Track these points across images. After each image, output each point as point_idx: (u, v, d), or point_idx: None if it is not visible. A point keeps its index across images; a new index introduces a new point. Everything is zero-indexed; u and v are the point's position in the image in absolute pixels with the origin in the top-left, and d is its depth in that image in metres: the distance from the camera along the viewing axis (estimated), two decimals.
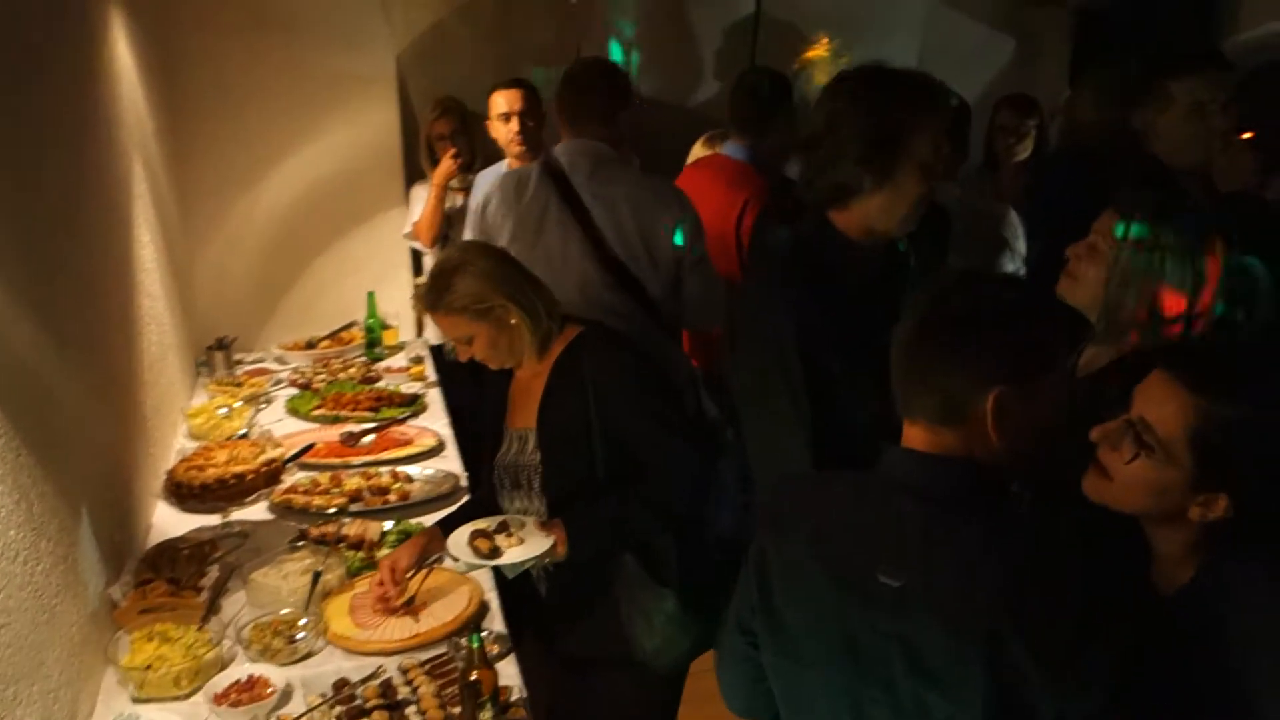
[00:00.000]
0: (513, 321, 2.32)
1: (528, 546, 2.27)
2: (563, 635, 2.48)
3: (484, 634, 2.04)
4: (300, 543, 2.66)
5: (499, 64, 4.44)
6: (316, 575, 2.41)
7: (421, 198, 4.41)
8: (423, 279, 4.47)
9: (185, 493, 2.67)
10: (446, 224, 4.28)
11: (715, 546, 2.40)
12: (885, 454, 1.47)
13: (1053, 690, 1.26)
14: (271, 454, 2.83)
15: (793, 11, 4.93)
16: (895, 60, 4.97)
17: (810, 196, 2.07)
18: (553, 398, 2.35)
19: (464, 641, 2.11)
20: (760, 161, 3.61)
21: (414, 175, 4.52)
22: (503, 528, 2.33)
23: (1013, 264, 3.16)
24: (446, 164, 4.21)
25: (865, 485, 1.48)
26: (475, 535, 2.30)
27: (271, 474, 2.77)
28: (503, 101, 4.01)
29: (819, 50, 4.84)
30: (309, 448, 3.14)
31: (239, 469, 2.71)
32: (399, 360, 4.24)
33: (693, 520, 2.38)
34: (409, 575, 2.39)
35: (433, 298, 2.33)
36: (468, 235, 3.24)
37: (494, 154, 4.25)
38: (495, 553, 2.26)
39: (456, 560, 2.33)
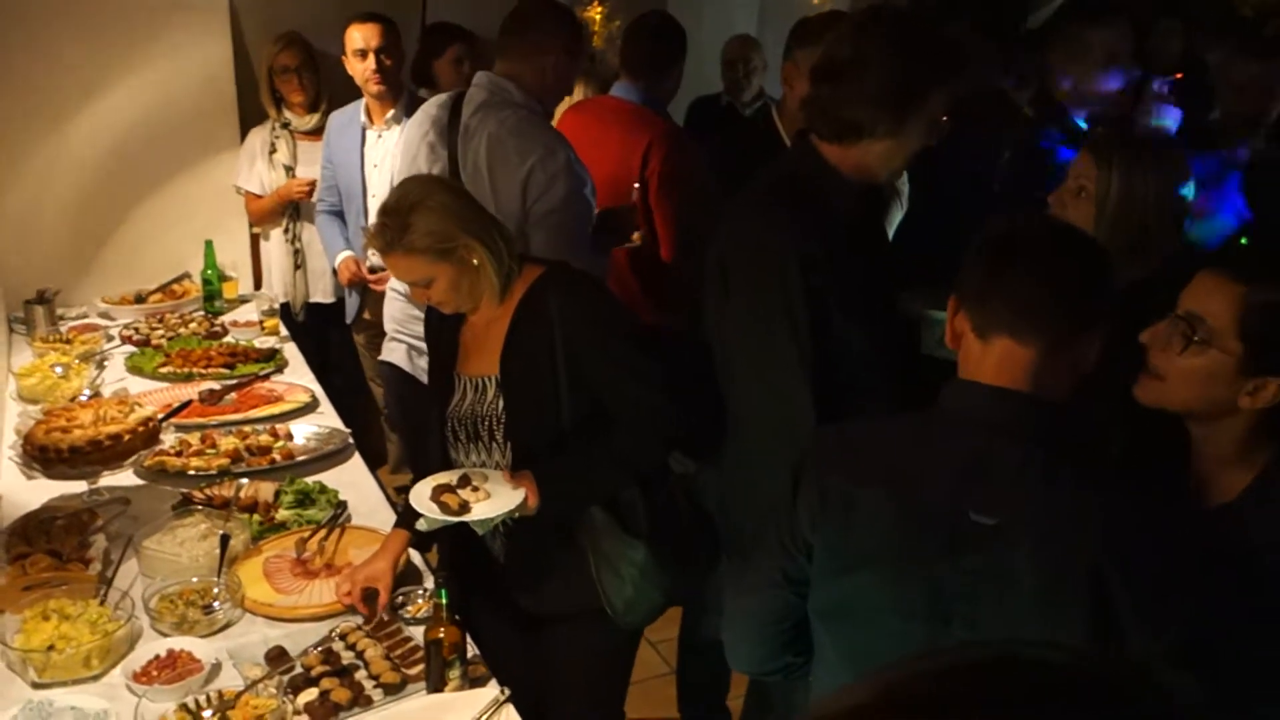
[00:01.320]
0: (475, 261, 2.13)
1: (497, 501, 2.09)
2: (523, 593, 2.31)
3: (439, 585, 1.92)
4: (188, 508, 2.44)
5: (343, 7, 4.16)
6: (225, 539, 2.22)
7: (256, 148, 4.10)
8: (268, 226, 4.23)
9: (52, 456, 2.38)
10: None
11: (683, 494, 2.33)
12: (956, 390, 1.46)
13: (1140, 624, 1.30)
14: (143, 413, 2.57)
15: None
16: (738, 19, 5.04)
17: (816, 126, 2.04)
18: (517, 342, 2.19)
19: (422, 597, 2.00)
20: (656, 105, 3.55)
21: (250, 117, 4.20)
22: (464, 481, 2.13)
23: (901, 210, 3.24)
24: (291, 189, 4.03)
25: (939, 423, 1.46)
26: (439, 490, 2.11)
27: (150, 434, 2.51)
28: (359, 37, 3.77)
29: (592, 11, 4.80)
30: (186, 404, 2.88)
31: (113, 429, 2.44)
32: (245, 314, 3.95)
33: (661, 469, 2.30)
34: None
35: (388, 236, 2.10)
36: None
37: (343, 95, 4.01)
38: (464, 508, 2.07)
39: (419, 519, 2.12)
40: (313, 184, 4.01)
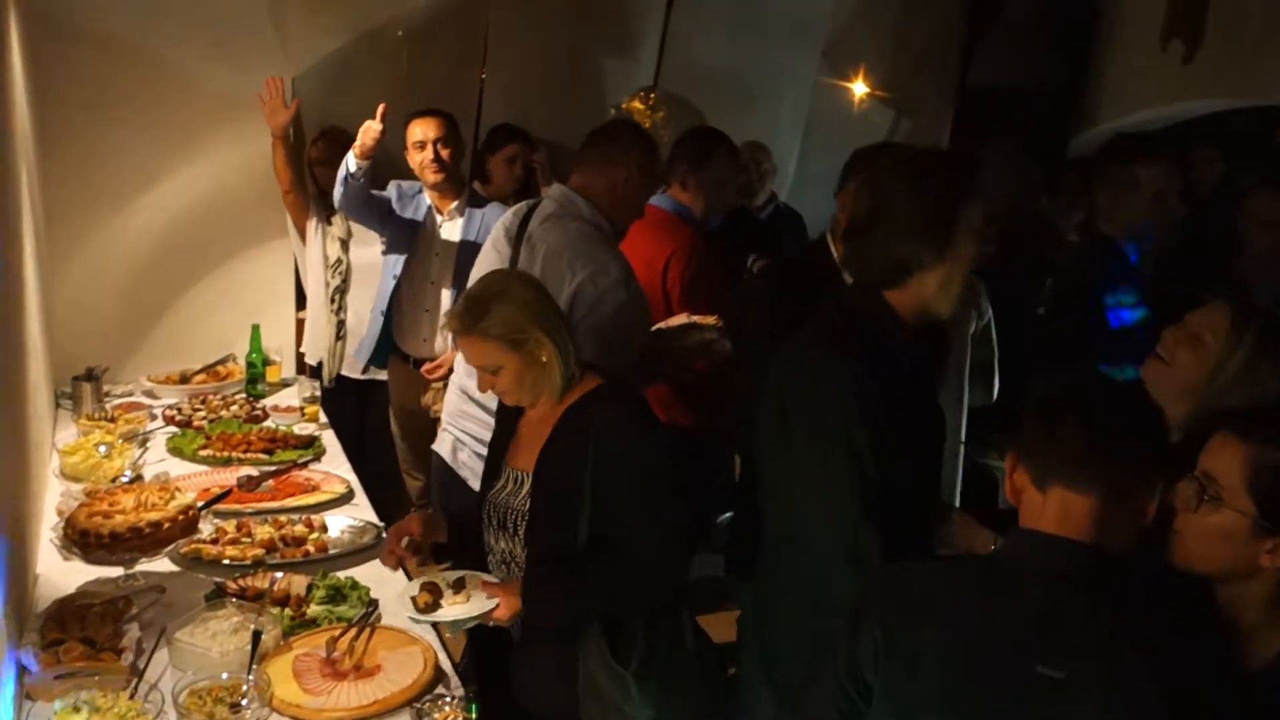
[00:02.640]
0: (544, 359, 2.23)
1: (467, 606, 2.24)
2: (521, 685, 2.37)
3: (469, 699, 1.92)
4: (220, 599, 2.45)
5: (402, 99, 4.29)
6: (257, 636, 2.22)
7: (315, 238, 4.23)
8: (305, 313, 4.31)
9: (92, 542, 2.41)
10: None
11: (693, 630, 2.33)
12: (1017, 539, 1.48)
13: None
14: (184, 500, 2.60)
15: (688, 82, 4.98)
16: (784, 126, 5.15)
17: (865, 276, 2.09)
18: (556, 445, 2.26)
19: (449, 705, 2.01)
20: (689, 214, 3.63)
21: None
22: (460, 584, 2.28)
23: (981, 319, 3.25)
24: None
25: (1003, 571, 1.48)
26: (425, 585, 2.27)
27: (189, 523, 2.54)
28: (418, 130, 3.92)
29: (636, 103, 4.94)
30: (226, 494, 2.92)
31: (153, 516, 2.47)
32: (286, 398, 4.01)
33: (667, 611, 2.30)
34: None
35: (468, 321, 2.23)
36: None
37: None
38: (430, 609, 2.24)
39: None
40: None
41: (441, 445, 3.27)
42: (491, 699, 2.16)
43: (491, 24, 4.58)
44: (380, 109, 3.74)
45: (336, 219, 4.23)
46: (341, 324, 4.26)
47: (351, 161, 3.84)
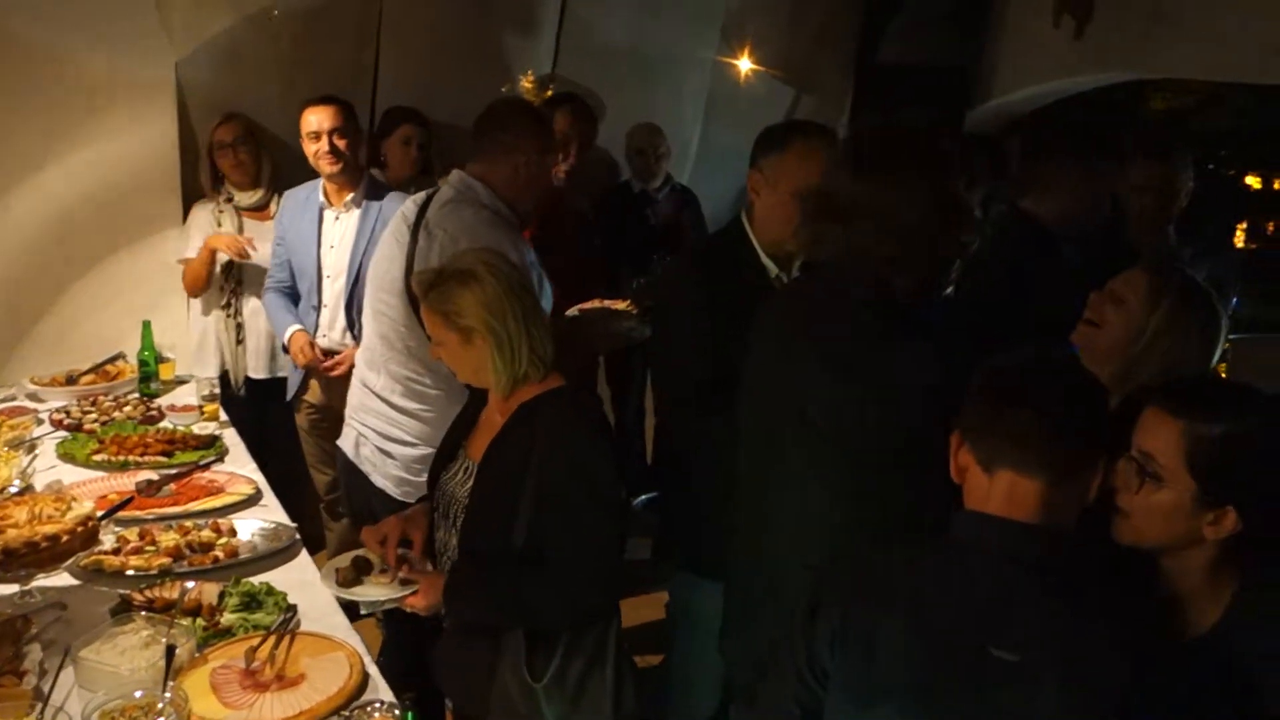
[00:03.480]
0: (485, 352, 2.21)
1: (385, 590, 2.26)
2: (447, 672, 2.40)
3: (406, 707, 1.86)
4: (127, 612, 2.33)
5: (294, 82, 4.14)
6: (171, 650, 2.11)
7: (201, 222, 4.04)
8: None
9: None
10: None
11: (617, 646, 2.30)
12: (965, 522, 1.47)
13: None
14: (82, 510, 2.46)
15: (587, 62, 4.92)
16: (685, 106, 5.12)
17: (846, 269, 2.03)
18: (503, 441, 2.24)
19: (379, 712, 1.94)
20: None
21: (193, 195, 4.14)
22: (399, 561, 2.31)
23: None
24: (221, 240, 3.96)
25: (957, 555, 1.47)
26: (356, 560, 2.30)
27: (89, 535, 2.40)
28: (313, 119, 3.77)
29: (525, 84, 4.92)
30: (127, 501, 2.77)
31: (50, 529, 2.33)
32: (182, 397, 3.84)
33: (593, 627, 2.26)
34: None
35: (426, 287, 2.24)
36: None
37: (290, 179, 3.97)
38: (350, 584, 2.27)
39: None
40: (248, 242, 3.96)
41: (345, 440, 3.20)
42: (423, 702, 2.10)
43: (385, 3, 4.43)
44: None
45: (225, 218, 4.05)
46: (240, 327, 4.09)
47: (289, 344, 3.87)
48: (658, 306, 2.98)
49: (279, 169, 4.14)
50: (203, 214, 4.07)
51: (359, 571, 2.30)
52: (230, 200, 4.07)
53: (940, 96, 4.68)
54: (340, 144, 3.74)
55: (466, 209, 2.90)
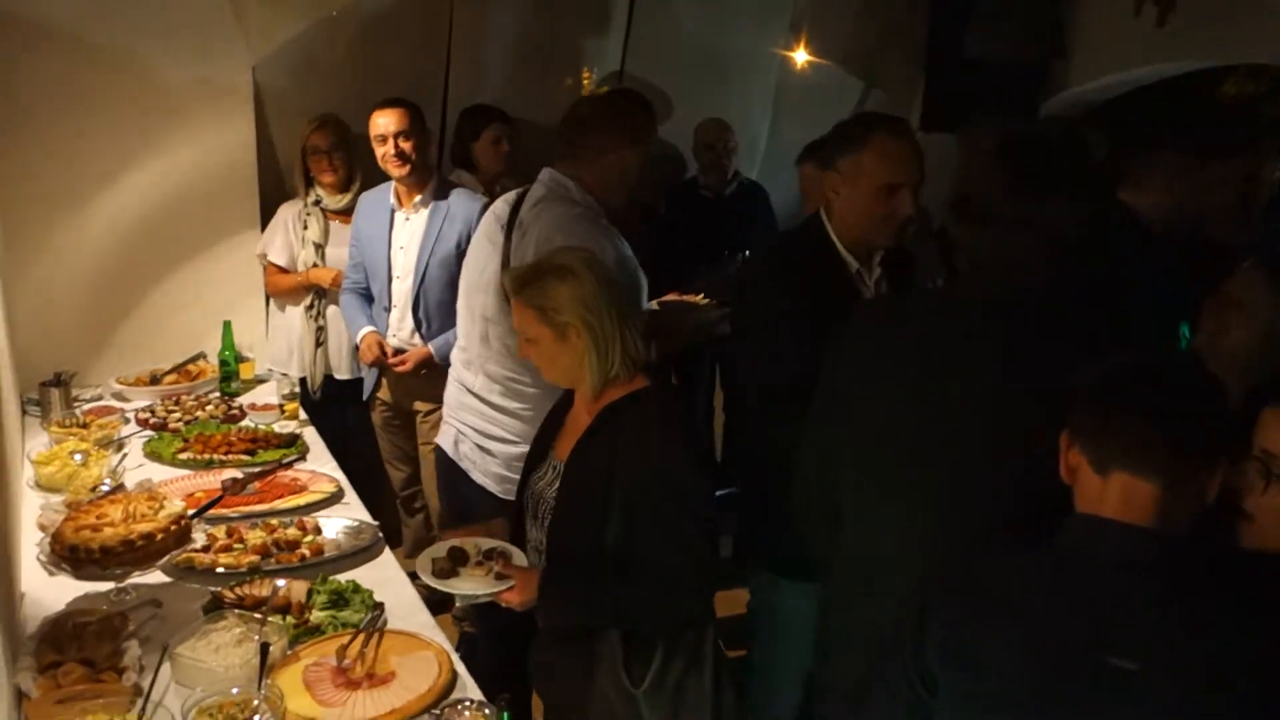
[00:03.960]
0: (579, 348, 2.19)
1: (481, 583, 2.23)
2: (543, 680, 2.40)
3: (501, 708, 1.87)
4: (219, 610, 2.37)
5: (366, 84, 4.18)
6: (265, 648, 2.14)
7: (288, 222, 4.11)
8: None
9: (82, 557, 2.31)
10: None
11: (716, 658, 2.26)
12: (1079, 526, 1.44)
13: None
14: (174, 509, 2.50)
15: (656, 59, 4.91)
16: (753, 102, 5.08)
17: (990, 267, 1.94)
18: (589, 442, 2.22)
19: (469, 710, 1.95)
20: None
21: (270, 198, 4.19)
22: (490, 555, 2.29)
23: None
24: (323, 276, 4.05)
25: (1069, 561, 1.44)
26: (453, 551, 2.29)
27: (182, 533, 2.45)
28: (379, 123, 3.80)
29: (585, 81, 4.94)
30: (218, 500, 2.82)
31: (145, 528, 2.38)
32: (262, 395, 3.91)
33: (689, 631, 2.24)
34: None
35: (520, 282, 2.22)
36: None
37: (376, 177, 4.01)
38: (447, 574, 2.25)
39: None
40: (339, 275, 4.02)
41: (444, 438, 3.21)
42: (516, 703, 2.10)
43: (455, 4, 4.46)
44: None
45: (311, 220, 4.10)
46: (321, 329, 4.14)
47: (359, 342, 3.96)
48: (733, 306, 2.96)
49: (369, 173, 4.17)
50: (290, 213, 4.13)
51: (454, 563, 2.29)
52: (318, 203, 4.11)
53: (1015, 91, 4.58)
54: (406, 146, 3.77)
55: (559, 205, 2.90)
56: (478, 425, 3.07)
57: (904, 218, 2.56)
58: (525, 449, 2.58)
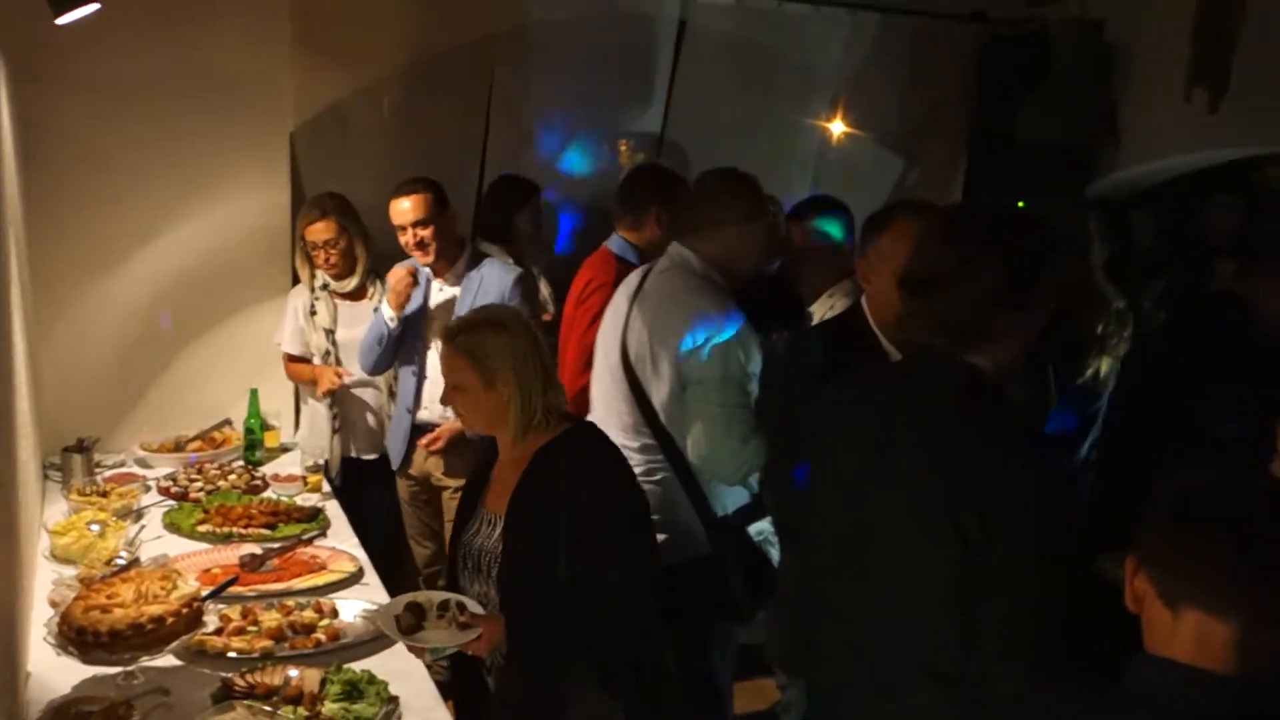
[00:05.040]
0: (504, 396, 2.31)
1: (447, 634, 2.23)
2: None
3: None
4: (228, 700, 2.26)
5: (404, 150, 4.16)
6: None
7: (297, 308, 4.02)
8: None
9: (90, 640, 2.23)
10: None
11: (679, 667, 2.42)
12: (1148, 669, 1.31)
13: None
14: (187, 590, 2.41)
15: (695, 131, 4.89)
16: (793, 175, 5.05)
17: (934, 339, 1.94)
18: (527, 488, 2.32)
19: None
20: (630, 253, 3.70)
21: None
22: (445, 608, 2.28)
23: None
24: (329, 380, 3.92)
25: (1143, 714, 1.31)
26: (410, 606, 2.28)
27: (194, 617, 2.35)
28: (396, 212, 3.72)
29: (622, 148, 5.00)
30: (232, 581, 2.72)
31: (155, 610, 2.29)
32: (286, 465, 3.83)
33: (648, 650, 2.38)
34: None
35: (455, 330, 2.36)
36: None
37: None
38: (414, 629, 2.24)
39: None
40: (344, 374, 3.95)
41: None
42: None
43: (496, 74, 4.45)
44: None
45: (320, 305, 4.00)
46: (336, 415, 4.05)
47: (387, 313, 3.75)
48: (767, 388, 2.88)
49: (383, 252, 4.10)
50: (298, 300, 4.02)
51: (417, 617, 2.28)
52: (325, 286, 4.01)
53: (1060, 172, 4.51)
54: (424, 234, 3.68)
55: (679, 276, 3.01)
56: None
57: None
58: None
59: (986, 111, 4.76)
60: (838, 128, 5.00)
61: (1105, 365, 2.03)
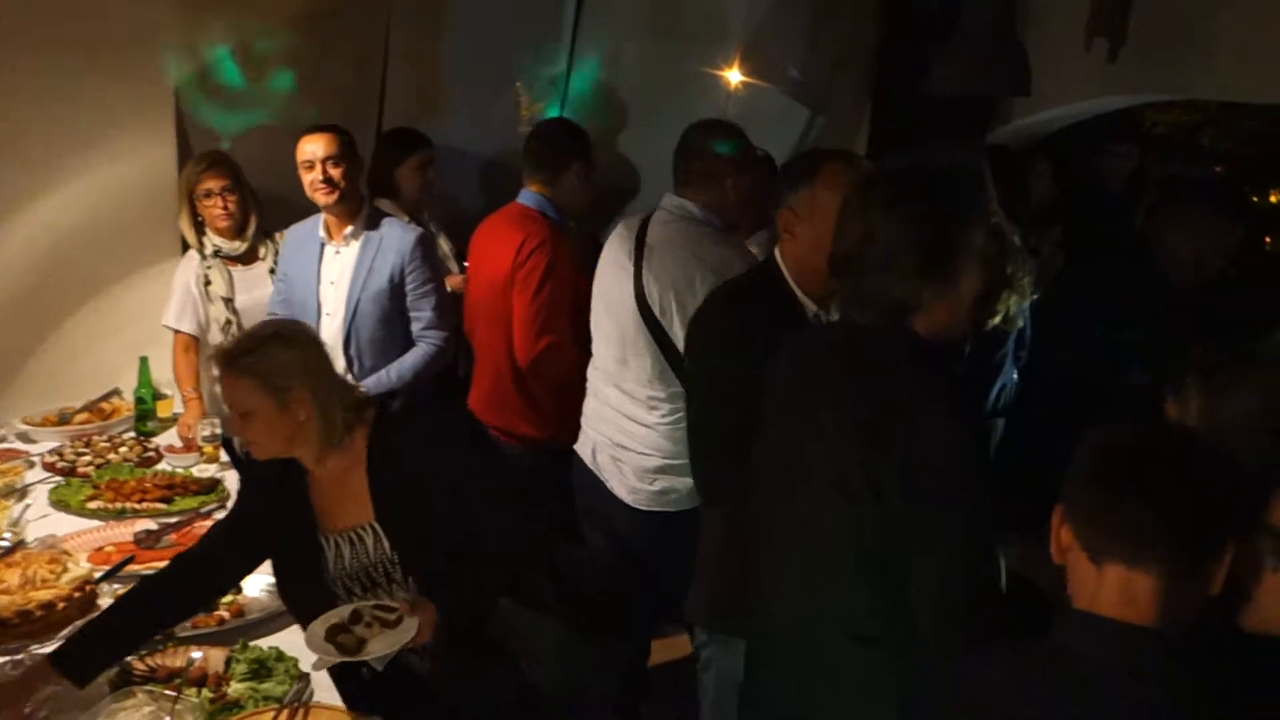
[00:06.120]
0: (302, 417, 2.18)
1: (390, 635, 2.13)
2: (455, 698, 2.34)
3: None
4: (128, 685, 2.16)
5: (294, 110, 3.98)
6: None
7: (189, 283, 3.80)
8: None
9: None
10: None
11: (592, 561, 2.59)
12: (1073, 624, 1.31)
13: None
14: (78, 573, 2.29)
15: (600, 85, 4.78)
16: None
17: (865, 316, 1.91)
18: (383, 485, 2.24)
19: None
20: (549, 208, 3.62)
21: None
22: (356, 618, 2.17)
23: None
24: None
25: (1068, 667, 1.29)
26: (334, 630, 2.14)
27: (86, 600, 2.24)
28: (306, 148, 3.56)
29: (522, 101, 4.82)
30: (127, 561, 2.60)
31: (44, 596, 2.17)
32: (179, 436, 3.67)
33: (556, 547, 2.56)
34: None
35: (233, 354, 2.18)
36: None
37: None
38: (360, 646, 2.11)
39: (316, 660, 2.12)
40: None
41: (582, 447, 3.31)
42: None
43: (394, 27, 4.28)
44: None
45: (214, 274, 3.79)
46: None
47: None
48: (689, 343, 2.84)
49: (273, 211, 3.94)
50: (189, 274, 3.81)
51: (351, 634, 2.14)
52: (217, 253, 3.82)
53: (963, 121, 4.53)
54: (335, 173, 3.54)
55: (689, 226, 3.06)
56: (613, 436, 3.18)
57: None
58: (658, 461, 3.04)
59: (892, 60, 4.75)
60: (741, 79, 4.94)
61: (1013, 304, 2.02)
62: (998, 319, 2.21)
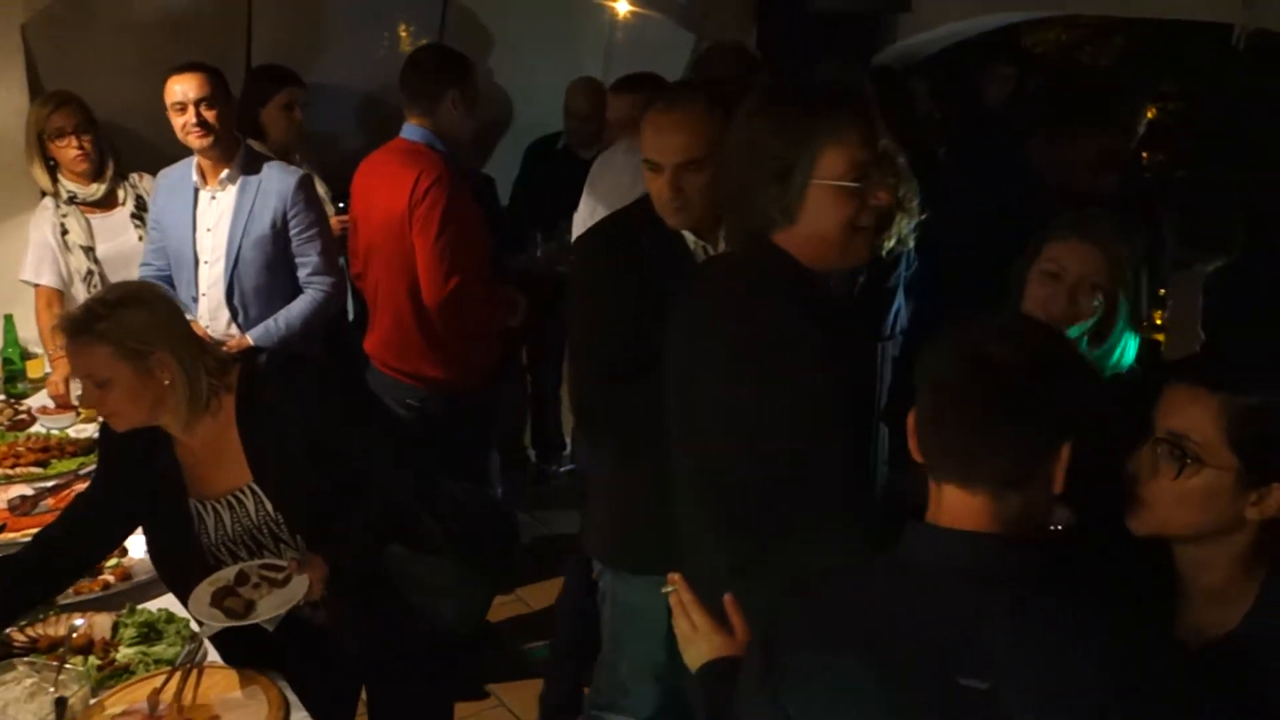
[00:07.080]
0: (166, 380, 2.06)
1: (280, 595, 2.06)
2: (354, 645, 2.33)
3: None
4: (7, 658, 2.07)
5: (155, 47, 3.77)
6: (61, 703, 1.87)
7: (46, 234, 3.59)
8: None
9: None
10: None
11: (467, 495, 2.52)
12: (919, 536, 1.32)
13: None
14: None
15: (478, 17, 4.66)
16: (584, 59, 4.92)
17: (741, 232, 1.88)
18: (259, 444, 2.15)
19: None
20: (441, 143, 3.41)
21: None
22: (243, 579, 2.10)
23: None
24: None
25: (911, 576, 1.30)
26: (221, 594, 2.06)
27: None
28: (177, 89, 3.35)
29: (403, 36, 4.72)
30: (1, 528, 2.48)
31: None
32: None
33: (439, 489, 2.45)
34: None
35: (82, 321, 2.03)
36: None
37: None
38: (250, 608, 2.04)
39: (201, 626, 2.06)
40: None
41: None
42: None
43: None
44: None
45: (70, 222, 3.59)
46: None
47: None
48: (571, 276, 2.79)
49: (130, 154, 3.75)
50: (46, 225, 3.60)
51: (239, 596, 2.07)
52: (72, 200, 3.61)
53: (848, 43, 4.52)
54: (209, 115, 3.35)
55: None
56: None
57: (663, 201, 2.37)
58: None
59: None
60: (624, 6, 4.85)
61: (904, 225, 2.03)
62: (892, 242, 2.23)
